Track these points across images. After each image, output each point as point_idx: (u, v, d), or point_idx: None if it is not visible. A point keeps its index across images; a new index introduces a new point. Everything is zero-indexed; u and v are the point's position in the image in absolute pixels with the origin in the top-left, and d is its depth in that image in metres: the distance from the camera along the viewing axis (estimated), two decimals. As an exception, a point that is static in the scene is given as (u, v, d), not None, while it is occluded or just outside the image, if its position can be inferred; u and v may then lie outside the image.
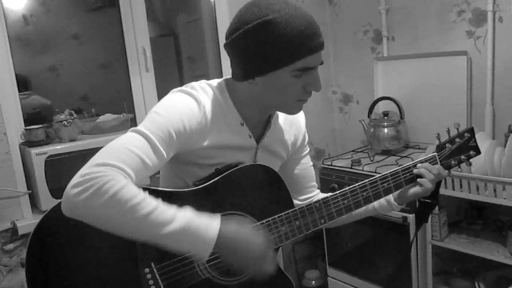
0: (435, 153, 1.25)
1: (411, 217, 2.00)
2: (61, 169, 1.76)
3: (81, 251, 0.97)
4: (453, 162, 1.25)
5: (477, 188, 1.82)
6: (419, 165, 1.22)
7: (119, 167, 0.88)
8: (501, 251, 1.86)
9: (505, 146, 1.79)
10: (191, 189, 1.06)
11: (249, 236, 0.95)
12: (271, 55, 0.98)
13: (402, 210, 1.98)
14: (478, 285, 1.97)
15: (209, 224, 0.90)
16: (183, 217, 0.89)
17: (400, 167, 1.22)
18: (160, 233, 0.87)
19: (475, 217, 2.10)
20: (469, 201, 2.02)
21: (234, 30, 1.01)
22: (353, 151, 2.56)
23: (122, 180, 0.87)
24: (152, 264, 1.00)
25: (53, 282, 0.97)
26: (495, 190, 1.77)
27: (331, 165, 2.34)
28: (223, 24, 2.44)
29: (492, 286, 1.95)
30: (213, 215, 0.93)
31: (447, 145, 1.26)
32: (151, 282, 0.99)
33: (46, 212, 0.96)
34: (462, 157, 1.26)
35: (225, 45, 1.06)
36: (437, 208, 1.93)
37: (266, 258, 0.96)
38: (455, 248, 1.97)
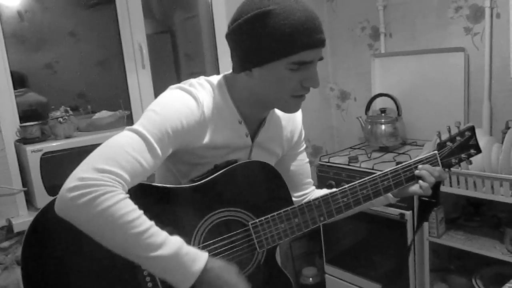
0: (436, 151, 1.24)
1: (408, 214, 1.99)
2: (57, 166, 1.76)
3: (77, 248, 0.96)
4: (453, 160, 1.24)
5: (475, 185, 1.82)
6: (420, 166, 1.20)
7: (118, 174, 0.87)
8: (498, 248, 1.86)
9: (502, 143, 1.79)
10: (189, 185, 1.05)
11: (233, 277, 0.94)
12: (266, 46, 0.96)
13: (399, 207, 2.00)
14: (475, 281, 1.97)
15: (196, 257, 0.89)
16: (173, 245, 0.88)
17: (401, 165, 1.21)
18: (146, 256, 0.86)
19: (472, 213, 2.10)
20: (466, 197, 2.02)
21: (234, 20, 1.01)
22: (350, 148, 2.55)
23: (120, 194, 0.86)
24: None
25: (49, 278, 0.96)
26: (492, 187, 1.77)
27: (329, 162, 2.33)
28: (220, 21, 2.43)
29: (489, 283, 1.95)
30: (201, 250, 0.93)
31: (447, 143, 1.25)
32: (148, 279, 0.98)
33: (42, 208, 0.95)
34: (463, 155, 1.25)
35: (226, 36, 1.05)
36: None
37: None
38: (452, 245, 1.97)
